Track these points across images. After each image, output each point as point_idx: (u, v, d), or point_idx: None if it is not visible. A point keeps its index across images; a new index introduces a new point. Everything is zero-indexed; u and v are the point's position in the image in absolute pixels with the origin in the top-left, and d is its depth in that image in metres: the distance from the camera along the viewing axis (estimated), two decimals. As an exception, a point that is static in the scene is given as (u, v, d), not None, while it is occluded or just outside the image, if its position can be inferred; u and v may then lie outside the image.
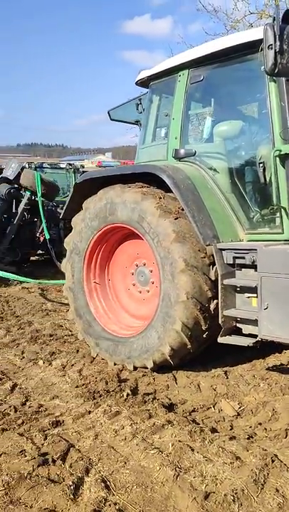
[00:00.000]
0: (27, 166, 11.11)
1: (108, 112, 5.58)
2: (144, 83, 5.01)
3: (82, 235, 4.60)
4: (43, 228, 11.10)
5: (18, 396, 3.83)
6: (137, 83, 5.05)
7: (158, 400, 3.70)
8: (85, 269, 4.66)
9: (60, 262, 7.41)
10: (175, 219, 3.88)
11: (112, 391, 3.82)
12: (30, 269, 9.94)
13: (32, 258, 11.49)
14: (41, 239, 10.98)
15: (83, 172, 12.95)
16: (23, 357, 4.76)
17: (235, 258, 3.71)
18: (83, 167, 13.03)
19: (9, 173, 9.28)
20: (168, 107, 4.65)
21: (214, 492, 2.55)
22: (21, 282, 8.65)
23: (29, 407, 3.64)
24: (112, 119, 5.59)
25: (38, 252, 11.67)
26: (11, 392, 3.92)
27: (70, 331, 5.62)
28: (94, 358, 4.63)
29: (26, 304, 7.19)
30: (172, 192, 3.91)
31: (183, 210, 3.86)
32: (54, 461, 2.88)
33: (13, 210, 9.88)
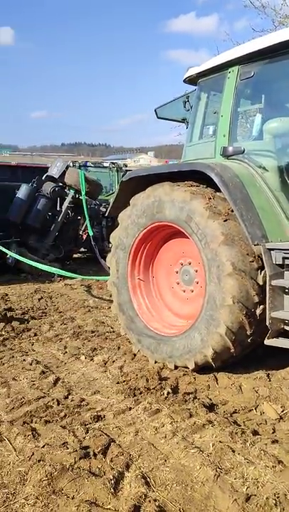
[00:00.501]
0: (71, 164, 11.31)
1: (155, 110, 5.57)
2: (192, 80, 4.96)
3: (128, 231, 4.59)
4: (85, 226, 11.28)
5: (60, 390, 3.89)
6: (184, 80, 5.01)
7: (199, 399, 3.65)
8: (130, 265, 4.65)
9: (104, 260, 7.53)
10: (224, 221, 3.80)
11: (153, 389, 3.81)
12: (72, 267, 10.09)
13: (74, 256, 11.67)
14: (84, 237, 11.18)
15: (126, 171, 13.07)
16: (66, 352, 4.83)
17: (284, 258, 3.60)
18: (126, 166, 13.12)
19: (54, 171, 9.49)
20: (216, 104, 4.58)
21: (256, 495, 2.48)
22: (64, 279, 8.82)
23: (71, 400, 3.69)
24: (158, 117, 5.58)
25: (80, 250, 11.87)
26: (54, 385, 3.99)
27: (112, 328, 5.66)
28: (135, 355, 4.63)
29: (69, 300, 7.31)
30: (221, 192, 3.84)
31: (232, 211, 3.78)
32: (95, 455, 2.90)
33: (58, 208, 10.09)
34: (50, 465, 2.76)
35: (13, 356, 4.69)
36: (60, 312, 6.58)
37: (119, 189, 4.95)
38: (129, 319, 4.67)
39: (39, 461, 2.85)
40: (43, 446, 3.02)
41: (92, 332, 5.45)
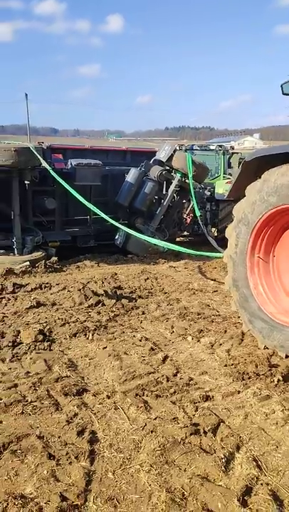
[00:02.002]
0: (178, 148, 11.34)
1: (281, 86, 5.29)
2: None
3: (254, 207, 4.29)
4: (190, 210, 11.31)
5: (169, 367, 4.02)
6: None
7: (311, 390, 3.54)
8: (251, 242, 4.42)
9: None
10: None
11: (262, 375, 3.77)
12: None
13: (177, 239, 11.77)
14: (188, 220, 11.21)
15: (232, 154, 12.77)
16: (173, 331, 4.96)
17: None
18: (233, 148, 12.81)
19: (162, 155, 9.60)
20: None
21: None
22: (169, 261, 9.00)
23: (180, 378, 3.80)
24: (284, 94, 5.30)
25: (183, 234, 11.93)
26: (162, 362, 4.14)
27: (217, 311, 5.66)
28: (242, 340, 4.60)
29: (173, 282, 7.44)
30: None
31: None
32: (205, 433, 2.97)
33: (164, 192, 10.23)
34: (162, 437, 2.90)
35: (123, 332, 4.94)
36: (166, 293, 6.73)
37: (240, 170, 4.73)
38: (242, 297, 4.51)
39: (151, 431, 3.01)
40: (155, 419, 3.17)
41: (198, 314, 5.50)
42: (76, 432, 3.02)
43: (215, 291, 6.69)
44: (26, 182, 8.47)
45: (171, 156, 9.47)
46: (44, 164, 8.26)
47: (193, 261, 9.24)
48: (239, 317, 5.32)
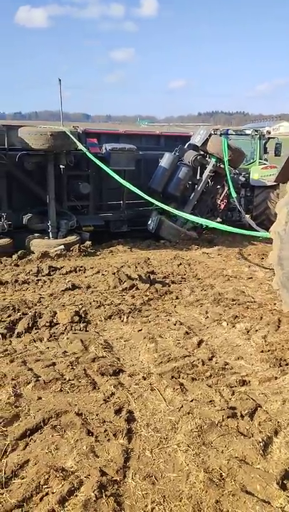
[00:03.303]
0: (213, 132, 11.15)
1: None
2: None
3: None
4: (224, 196, 11.16)
5: (204, 351, 4.02)
6: None
7: None
8: None
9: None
10: None
11: (300, 361, 3.72)
12: (210, 236, 10.12)
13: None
14: (222, 206, 11.07)
15: (268, 139, 12.47)
16: (207, 316, 4.94)
17: None
18: (269, 133, 12.48)
19: (197, 139, 9.48)
20: None
21: None
22: (201, 247, 8.95)
23: (216, 362, 3.80)
24: None
25: (217, 220, 11.79)
26: (198, 346, 4.14)
27: (252, 298, 5.60)
28: (278, 327, 4.55)
29: (207, 268, 7.39)
30: None
31: None
32: (242, 416, 2.97)
33: (197, 177, 10.13)
34: (199, 418, 2.91)
35: (158, 315, 4.96)
36: (199, 279, 6.70)
37: None
38: (286, 277, 4.42)
39: (188, 413, 3.03)
40: (191, 401, 3.19)
41: (233, 300, 5.46)
42: (114, 410, 3.07)
43: (250, 278, 6.61)
44: (61, 166, 8.55)
45: (206, 140, 9.34)
46: (81, 147, 8.29)
47: (226, 247, 9.16)
48: (275, 303, 5.26)
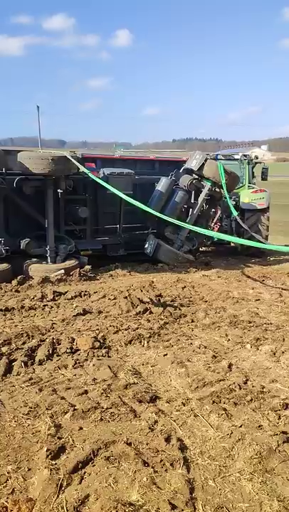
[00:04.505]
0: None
1: None
2: None
3: None
4: (217, 219, 11.33)
5: (237, 375, 3.96)
6: None
7: None
8: None
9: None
10: None
11: None
12: (206, 258, 10.18)
13: (204, 248, 11.76)
14: (215, 229, 11.20)
15: (255, 164, 12.77)
16: (229, 339, 4.90)
17: None
18: (257, 158, 12.81)
19: (193, 164, 9.61)
20: None
21: None
22: (201, 270, 8.99)
23: (252, 386, 3.75)
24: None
25: (208, 243, 11.89)
26: (229, 369, 4.08)
27: (268, 320, 5.60)
28: (304, 349, 4.54)
29: (211, 290, 7.39)
30: None
31: None
32: (297, 441, 2.90)
33: (192, 201, 10.23)
34: (256, 444, 2.83)
35: (178, 339, 4.89)
36: (206, 301, 6.68)
37: None
38: None
39: (240, 439, 2.95)
40: (240, 426, 3.11)
41: (249, 322, 5.44)
42: (163, 439, 2.97)
43: (257, 300, 6.63)
44: (59, 191, 8.49)
45: (203, 164, 9.48)
46: (84, 169, 8.28)
47: (224, 270, 9.22)
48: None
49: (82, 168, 8.21)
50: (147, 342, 4.80)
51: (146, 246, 9.61)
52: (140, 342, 4.80)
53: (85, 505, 2.39)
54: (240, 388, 3.67)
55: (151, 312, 5.74)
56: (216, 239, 11.46)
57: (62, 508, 2.35)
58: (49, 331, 5.11)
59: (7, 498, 2.46)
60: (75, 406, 3.39)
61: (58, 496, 2.45)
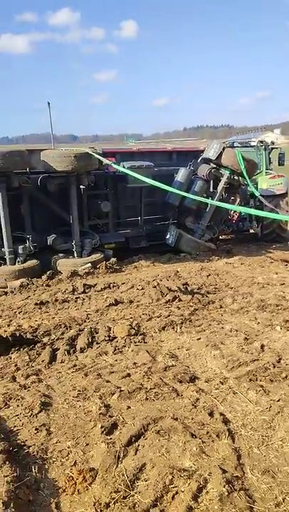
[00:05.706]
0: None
1: None
2: None
3: None
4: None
5: (270, 354, 4.16)
6: None
7: None
8: None
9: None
10: None
11: None
12: (228, 246, 10.34)
13: (226, 237, 11.89)
14: (235, 217, 11.34)
15: (272, 149, 12.81)
16: (258, 322, 5.10)
17: None
18: (273, 143, 12.82)
19: (211, 153, 9.74)
20: None
21: None
22: (222, 257, 9.16)
23: (286, 364, 3.95)
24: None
25: (228, 231, 12.03)
26: (261, 350, 4.28)
27: (296, 303, 5.76)
28: None
29: (236, 277, 7.57)
30: None
31: None
32: None
33: (211, 190, 10.38)
34: (296, 416, 3.04)
35: (210, 324, 5.10)
36: (232, 288, 6.86)
37: None
38: None
39: (278, 412, 3.16)
40: (278, 401, 3.32)
41: (277, 306, 5.62)
42: (206, 414, 3.20)
43: (282, 284, 6.79)
44: (82, 186, 8.72)
45: (221, 153, 9.61)
46: (108, 162, 8.47)
47: (246, 257, 9.38)
48: None
49: (106, 161, 8.40)
50: (180, 328, 5.02)
51: (167, 237, 9.81)
52: (173, 328, 5.03)
53: (142, 472, 2.63)
54: (274, 367, 3.87)
55: (180, 300, 5.96)
56: (235, 227, 11.65)
57: (123, 475, 2.60)
58: (85, 321, 5.37)
59: (71, 469, 2.72)
60: (120, 388, 3.64)
61: (117, 465, 2.70)
